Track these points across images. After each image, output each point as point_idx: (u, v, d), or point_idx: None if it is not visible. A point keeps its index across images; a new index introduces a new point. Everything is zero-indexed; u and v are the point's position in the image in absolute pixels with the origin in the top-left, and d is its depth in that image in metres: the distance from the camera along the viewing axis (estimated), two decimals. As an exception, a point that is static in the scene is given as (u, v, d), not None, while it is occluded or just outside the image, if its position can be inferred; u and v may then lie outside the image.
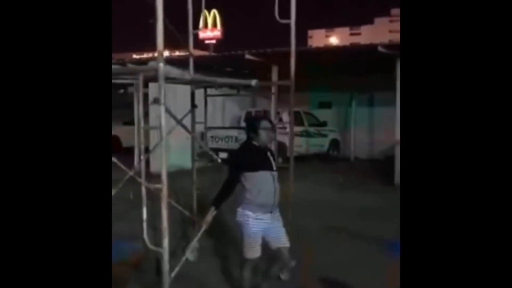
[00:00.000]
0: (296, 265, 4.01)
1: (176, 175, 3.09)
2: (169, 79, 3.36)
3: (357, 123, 13.89)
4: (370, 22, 68.00)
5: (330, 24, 70.54)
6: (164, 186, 2.97)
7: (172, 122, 4.18)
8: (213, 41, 33.65)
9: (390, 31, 55.90)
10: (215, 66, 11.93)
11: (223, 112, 13.38)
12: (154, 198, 3.24)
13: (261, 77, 4.66)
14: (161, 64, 2.90)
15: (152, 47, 2.89)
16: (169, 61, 3.08)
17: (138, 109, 3.58)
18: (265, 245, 3.29)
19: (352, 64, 11.18)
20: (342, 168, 11.46)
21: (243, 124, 12.78)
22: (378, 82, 11.00)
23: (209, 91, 5.03)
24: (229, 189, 3.25)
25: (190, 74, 4.51)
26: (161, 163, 2.96)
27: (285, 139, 7.74)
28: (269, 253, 3.37)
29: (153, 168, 3.78)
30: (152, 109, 3.23)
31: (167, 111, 3.27)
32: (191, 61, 4.91)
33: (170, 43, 3.26)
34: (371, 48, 9.71)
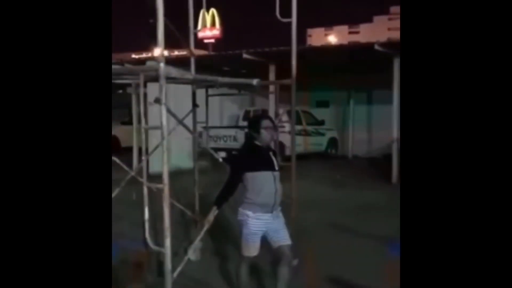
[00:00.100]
0: (299, 264, 4.02)
1: (174, 175, 3.08)
2: (170, 79, 3.35)
3: (355, 122, 13.94)
4: (369, 20, 67.94)
5: (329, 23, 70.36)
6: (165, 186, 2.96)
7: (171, 122, 4.17)
8: (212, 41, 33.62)
9: (389, 29, 55.86)
10: (213, 65, 11.92)
11: (221, 111, 13.38)
12: (154, 198, 3.24)
13: (259, 76, 4.65)
14: (162, 64, 2.89)
15: (152, 47, 2.89)
16: (168, 61, 3.06)
17: (138, 110, 3.57)
18: (268, 247, 3.29)
19: (350, 63, 11.20)
20: (340, 166, 11.49)
21: (241, 123, 12.80)
22: (375, 80, 11.03)
23: (210, 91, 5.02)
24: (231, 189, 3.25)
25: (191, 74, 4.51)
26: (161, 164, 2.96)
27: (284, 138, 7.72)
28: (272, 254, 3.37)
29: (152, 168, 3.78)
30: (151, 109, 3.22)
31: (168, 111, 3.26)
32: (192, 61, 4.89)
33: (170, 43, 3.25)
34: (368, 47, 9.71)
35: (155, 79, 2.96)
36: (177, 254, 3.89)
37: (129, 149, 5.74)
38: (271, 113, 10.57)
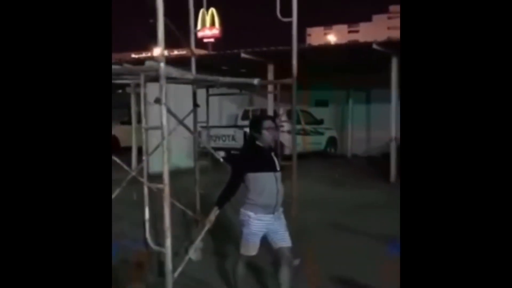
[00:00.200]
0: (300, 263, 4.02)
1: (174, 175, 3.08)
2: (170, 79, 3.34)
3: (354, 121, 13.96)
4: (369, 19, 67.97)
5: (328, 22, 70.39)
6: (166, 186, 2.96)
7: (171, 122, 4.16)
8: (212, 40, 33.64)
9: (389, 28, 55.90)
10: (213, 65, 11.91)
11: (220, 110, 13.37)
12: (155, 198, 3.23)
13: (257, 75, 4.65)
14: (162, 64, 2.88)
15: (151, 46, 2.88)
16: (167, 61, 3.06)
17: (138, 110, 3.57)
18: (268, 247, 3.29)
19: (349, 62, 11.20)
20: (339, 165, 11.51)
21: (240, 122, 12.80)
22: (374, 80, 11.02)
23: (211, 90, 5.02)
24: (233, 189, 3.25)
25: (192, 74, 4.50)
26: (161, 163, 2.95)
27: (283, 138, 7.73)
28: (273, 255, 3.37)
29: (152, 168, 3.78)
30: (151, 108, 3.21)
31: (168, 111, 3.25)
32: (193, 60, 4.89)
33: (169, 43, 3.24)
34: (366, 46, 9.71)
35: (155, 79, 2.95)
36: (177, 254, 3.89)
37: (129, 149, 5.76)
38: (270, 113, 10.58)
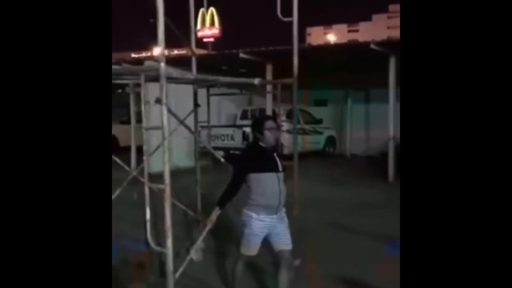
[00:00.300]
0: (301, 263, 4.02)
1: (173, 175, 3.07)
2: (171, 79, 3.33)
3: (353, 120, 13.94)
4: (368, 18, 67.97)
5: (328, 21, 70.37)
6: (167, 186, 2.95)
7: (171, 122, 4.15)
8: (212, 40, 33.64)
9: (389, 28, 55.90)
10: (213, 65, 11.90)
11: (219, 110, 13.37)
12: (155, 198, 3.23)
13: (256, 75, 4.65)
14: (162, 64, 2.87)
15: (151, 46, 2.87)
16: (167, 60, 3.05)
17: (137, 109, 3.56)
18: (269, 247, 3.28)
19: (347, 61, 11.19)
20: (338, 165, 11.52)
21: (239, 122, 12.79)
22: (373, 79, 11.01)
23: (211, 90, 5.01)
24: (234, 190, 3.24)
25: (192, 74, 4.49)
26: (161, 163, 2.94)
27: (282, 137, 7.73)
28: (273, 256, 3.36)
29: (152, 168, 3.77)
30: (151, 108, 3.20)
31: (169, 111, 3.24)
32: (193, 60, 4.88)
33: (169, 42, 3.23)
34: (364, 46, 9.70)
35: (156, 79, 2.94)
36: (179, 255, 3.89)
37: (128, 149, 5.75)
38: (269, 112, 10.59)
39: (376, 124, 12.35)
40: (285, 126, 9.07)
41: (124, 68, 5.79)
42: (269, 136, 3.25)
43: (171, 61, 8.04)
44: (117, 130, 12.29)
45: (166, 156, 2.94)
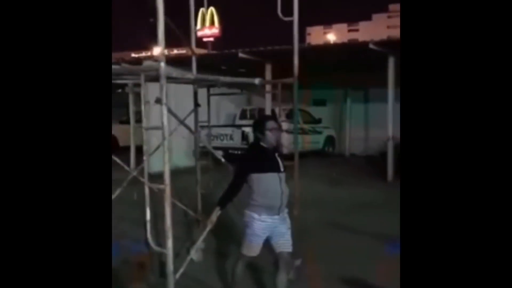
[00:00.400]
0: (301, 263, 4.02)
1: (173, 174, 3.06)
2: (171, 79, 3.32)
3: (352, 120, 13.95)
4: (368, 18, 67.92)
5: (328, 21, 70.30)
6: (167, 187, 2.94)
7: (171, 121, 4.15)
8: (211, 39, 33.63)
9: (389, 27, 55.84)
10: (213, 64, 11.89)
11: (218, 110, 13.36)
12: (156, 198, 3.22)
13: (256, 75, 4.64)
14: (162, 64, 2.87)
15: (151, 46, 2.86)
16: (167, 60, 3.04)
17: (136, 109, 3.55)
18: (269, 248, 3.28)
19: (346, 61, 11.19)
20: (337, 164, 11.54)
21: (238, 122, 12.77)
22: (372, 79, 11.01)
23: (212, 90, 5.00)
24: (235, 190, 3.23)
25: (193, 73, 4.48)
26: (160, 163, 2.94)
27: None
28: (273, 256, 3.36)
29: (152, 168, 3.77)
30: (151, 108, 3.19)
31: (169, 110, 3.23)
32: (193, 60, 4.87)
33: (169, 42, 3.22)
34: (363, 46, 9.70)
35: (156, 79, 2.93)
36: (179, 255, 3.88)
37: (127, 148, 5.75)
38: (268, 112, 10.58)
39: (375, 123, 12.36)
40: (284, 126, 9.06)
41: (124, 68, 5.77)
42: (270, 136, 3.25)
43: (171, 61, 8.04)
44: (116, 129, 12.30)
45: (166, 156, 2.93)
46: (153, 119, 3.42)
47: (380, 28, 56.55)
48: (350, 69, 11.67)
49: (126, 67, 7.21)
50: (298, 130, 5.48)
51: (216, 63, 11.97)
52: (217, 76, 4.17)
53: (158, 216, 3.26)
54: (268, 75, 11.04)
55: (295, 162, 4.68)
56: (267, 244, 3.26)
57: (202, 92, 4.97)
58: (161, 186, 2.95)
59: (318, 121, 13.36)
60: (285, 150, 8.80)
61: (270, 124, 3.27)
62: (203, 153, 5.60)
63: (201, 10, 29.91)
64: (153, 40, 2.94)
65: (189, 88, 4.90)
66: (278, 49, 10.00)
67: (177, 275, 3.15)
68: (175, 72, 3.41)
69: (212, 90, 4.99)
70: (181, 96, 5.44)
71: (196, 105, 4.85)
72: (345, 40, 32.40)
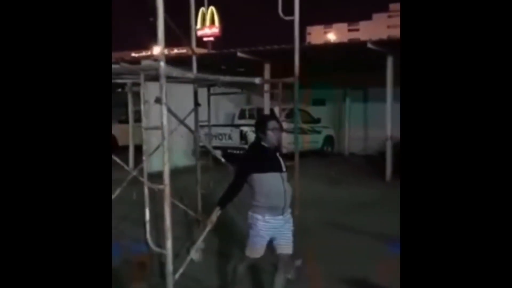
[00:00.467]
0: (301, 263, 4.01)
1: (172, 174, 3.05)
2: (171, 78, 3.32)
3: (351, 120, 13.97)
4: (369, 17, 67.89)
5: (328, 21, 70.24)
6: (166, 187, 2.93)
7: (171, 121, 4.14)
8: (211, 39, 33.62)
9: (389, 27, 55.80)
10: (213, 64, 11.89)
11: (217, 109, 13.35)
12: (155, 198, 3.22)
13: (255, 74, 4.64)
14: (162, 63, 2.86)
15: (151, 45, 2.86)
16: (167, 60, 3.03)
17: (135, 109, 3.54)
18: (270, 248, 3.27)
19: (346, 61, 11.19)
20: (336, 164, 11.56)
21: (237, 121, 12.76)
22: (371, 78, 11.01)
23: (212, 89, 5.00)
24: (236, 190, 3.21)
25: (193, 73, 4.47)
26: (160, 163, 2.93)
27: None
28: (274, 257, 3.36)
29: (151, 167, 3.77)
30: (151, 108, 3.19)
31: (169, 110, 3.23)
32: (194, 60, 4.86)
33: (169, 41, 3.22)
34: (361, 46, 9.70)
35: (156, 78, 2.92)
36: (179, 255, 3.88)
37: (126, 148, 5.75)
38: (267, 112, 10.57)
39: (374, 123, 12.35)
40: (284, 125, 9.06)
41: (124, 68, 5.77)
42: (271, 136, 3.24)
43: (171, 60, 8.03)
44: (115, 129, 12.30)
45: (165, 156, 2.92)
46: (153, 118, 3.41)
47: (380, 27, 56.50)
48: (349, 68, 11.67)
49: (126, 67, 7.20)
50: (293, 129, 5.46)
51: (216, 63, 11.97)
52: (217, 76, 4.16)
53: (158, 216, 3.25)
54: (266, 74, 11.05)
55: (295, 162, 4.68)
56: (268, 244, 3.25)
57: (202, 92, 4.96)
58: (161, 186, 2.94)
59: (317, 120, 13.36)
60: (284, 150, 8.79)
61: (272, 124, 3.26)
62: (202, 152, 5.60)
63: (201, 9, 29.94)
64: (153, 40, 2.93)
65: (189, 87, 4.89)
66: (277, 48, 10.00)
67: (177, 275, 3.15)
68: (175, 72, 3.39)
69: (212, 90, 4.99)
70: (181, 95, 5.44)
71: (196, 104, 4.84)
72: (345, 39, 32.38)
